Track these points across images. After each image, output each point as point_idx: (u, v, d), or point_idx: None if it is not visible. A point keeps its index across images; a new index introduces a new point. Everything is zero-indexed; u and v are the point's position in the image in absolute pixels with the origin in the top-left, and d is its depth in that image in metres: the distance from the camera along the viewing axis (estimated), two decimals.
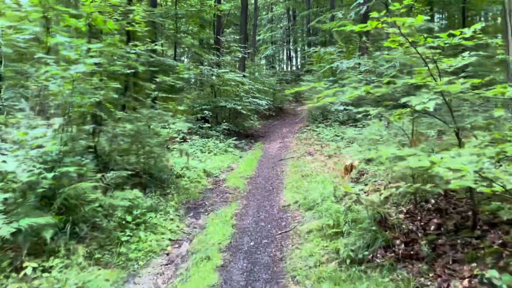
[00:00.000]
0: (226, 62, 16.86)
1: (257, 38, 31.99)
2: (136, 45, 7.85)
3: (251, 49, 24.87)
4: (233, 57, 17.45)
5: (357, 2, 19.18)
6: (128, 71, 7.33)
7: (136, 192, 6.20)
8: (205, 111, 14.19)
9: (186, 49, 21.97)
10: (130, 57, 7.67)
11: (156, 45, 7.97)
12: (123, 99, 8.17)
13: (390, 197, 5.78)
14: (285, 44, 37.08)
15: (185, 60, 24.69)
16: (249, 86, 16.62)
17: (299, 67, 33.30)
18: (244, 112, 15.39)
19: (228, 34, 20.21)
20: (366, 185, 6.69)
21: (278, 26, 36.86)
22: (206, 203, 7.39)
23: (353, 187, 6.68)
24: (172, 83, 9.02)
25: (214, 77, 15.56)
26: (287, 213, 6.52)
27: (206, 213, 6.79)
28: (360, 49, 19.65)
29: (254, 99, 16.62)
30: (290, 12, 34.85)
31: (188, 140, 12.93)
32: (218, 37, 18.12)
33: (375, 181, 6.66)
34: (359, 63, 17.84)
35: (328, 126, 15.27)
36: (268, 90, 19.81)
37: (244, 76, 17.60)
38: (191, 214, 6.74)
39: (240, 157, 12.93)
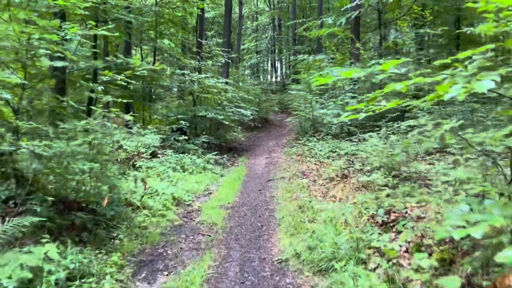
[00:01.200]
0: (208, 68, 14.53)
1: (242, 47, 29.85)
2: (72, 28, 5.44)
3: (235, 54, 22.66)
4: (215, 61, 15.12)
5: (348, 6, 17.23)
6: (60, 65, 4.92)
7: (51, 248, 3.78)
8: (181, 121, 11.80)
9: (166, 55, 19.61)
10: (64, 46, 5.31)
11: (102, 30, 5.60)
12: (55, 105, 5.72)
13: (451, 260, 3.53)
14: (270, 54, 35.01)
15: (168, 68, 22.31)
16: (233, 94, 14.32)
17: (284, 77, 31.21)
18: (227, 122, 13.06)
19: (211, 38, 17.87)
20: (400, 232, 4.41)
21: (263, 36, 34.82)
22: (169, 252, 4.99)
23: (380, 235, 4.40)
24: (125, 83, 6.58)
25: (193, 83, 13.21)
26: (286, 276, 4.18)
27: (166, 273, 4.39)
28: (352, 56, 17.61)
29: (238, 109, 14.32)
30: (276, 22, 32.84)
31: (160, 156, 10.50)
32: (200, 40, 15.80)
33: (415, 228, 4.38)
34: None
35: (320, 140, 13.05)
36: (253, 100, 17.54)
37: (227, 83, 15.32)
38: (143, 276, 4.33)
39: (221, 175, 10.56)
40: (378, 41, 19.72)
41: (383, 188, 5.75)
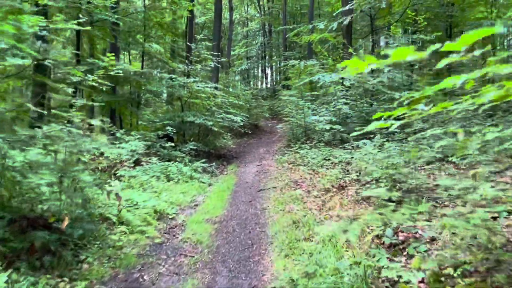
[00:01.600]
0: (197, 72, 13.86)
1: (232, 53, 29.28)
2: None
3: (225, 59, 22.06)
4: (204, 66, 14.46)
5: (339, 10, 16.76)
6: (18, 63, 4.24)
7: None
8: (167, 128, 11.10)
9: (155, 59, 18.85)
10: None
11: (79, 23, 4.91)
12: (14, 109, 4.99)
13: None
14: (260, 60, 34.49)
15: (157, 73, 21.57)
16: (222, 99, 13.67)
17: (275, 83, 30.67)
18: (216, 129, 12.39)
19: (200, 42, 17.21)
20: (411, 257, 3.78)
21: (254, 42, 34.30)
22: (145, 277, 4.29)
23: (390, 261, 3.78)
24: (96, 84, 5.90)
25: (181, 88, 12.53)
26: None
27: None
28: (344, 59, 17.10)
29: (228, 115, 13.67)
30: (266, 28, 32.35)
31: (144, 164, 9.78)
32: (189, 44, 15.14)
33: (429, 252, 3.76)
34: (342, 78, 15.25)
35: (312, 147, 12.45)
36: (243, 105, 16.89)
37: (216, 88, 14.67)
38: None
39: (210, 185, 9.87)
40: (370, 47, 19.30)
41: (387, 203, 5.13)
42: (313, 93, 14.79)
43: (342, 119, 14.12)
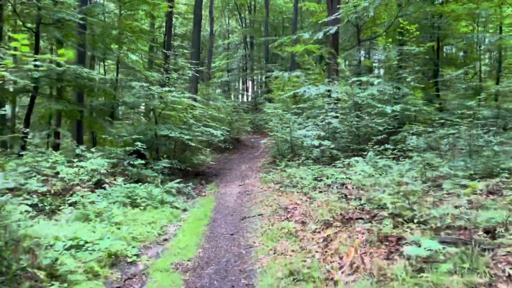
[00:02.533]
0: (173, 81, 12.27)
1: (213, 65, 27.84)
2: None
3: (205, 69, 20.55)
4: (180, 75, 12.88)
5: (326, 19, 15.56)
6: None
7: None
8: (137, 143, 9.44)
9: (130, 69, 17.15)
10: None
11: None
12: None
13: None
14: (241, 72, 33.15)
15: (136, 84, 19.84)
16: (201, 111, 12.11)
17: (256, 96, 29.32)
18: (193, 144, 10.80)
19: (177, 48, 15.61)
20: None
21: (235, 55, 32.98)
22: None
23: None
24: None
25: (154, 98, 10.92)
26: None
27: None
28: (330, 72, 15.87)
29: (207, 128, 12.10)
30: (248, 40, 31.11)
31: (108, 185, 8.08)
32: (166, 51, 13.57)
33: None
34: (329, 90, 13.93)
35: (300, 165, 10.99)
36: (224, 118, 15.34)
37: (195, 99, 13.12)
38: None
39: (184, 210, 8.23)
40: (358, 59, 18.19)
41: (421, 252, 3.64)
42: (300, 105, 13.40)
43: (331, 134, 12.75)
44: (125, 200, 7.46)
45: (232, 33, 33.25)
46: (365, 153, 11.37)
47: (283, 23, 27.95)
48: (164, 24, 20.18)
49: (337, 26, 15.43)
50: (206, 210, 8.03)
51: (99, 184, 8.23)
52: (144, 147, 9.58)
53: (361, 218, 5.61)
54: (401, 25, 13.61)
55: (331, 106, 13.46)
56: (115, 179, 8.55)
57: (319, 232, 5.51)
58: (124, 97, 10.72)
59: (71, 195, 7.35)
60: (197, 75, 13.80)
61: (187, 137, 10.32)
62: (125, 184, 8.20)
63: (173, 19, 20.60)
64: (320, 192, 8.21)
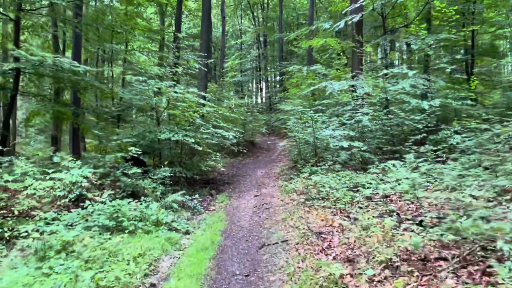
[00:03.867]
0: (178, 75, 10.35)
1: (225, 65, 25.97)
2: None
3: (213, 63, 18.65)
4: (186, 69, 10.92)
5: (348, 8, 13.49)
6: None
7: None
8: (131, 148, 7.53)
9: (136, 68, 15.35)
10: None
11: None
12: None
13: None
14: (255, 72, 31.18)
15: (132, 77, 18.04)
16: (210, 110, 10.18)
17: (271, 97, 27.30)
18: (200, 147, 8.85)
19: (186, 37, 13.67)
20: None
21: (248, 56, 31.05)
22: None
23: None
24: None
25: (155, 95, 9.03)
26: None
27: None
28: (354, 65, 13.73)
29: (217, 130, 10.15)
30: (261, 38, 29.14)
31: (91, 202, 6.18)
32: (169, 43, 11.68)
33: None
34: (354, 85, 11.80)
35: (327, 171, 8.97)
36: (236, 119, 13.35)
37: (204, 98, 11.22)
38: None
39: (186, 233, 6.27)
40: (384, 50, 16.04)
41: None
42: (324, 101, 11.35)
43: (360, 134, 10.66)
44: (107, 223, 5.54)
45: (245, 33, 31.34)
46: (400, 155, 9.35)
47: (298, 20, 25.93)
48: (173, 22, 18.44)
49: (361, 14, 13.34)
50: (213, 233, 6.06)
51: (80, 201, 6.35)
52: (140, 152, 7.66)
53: (445, 259, 3.56)
54: (438, 8, 11.44)
55: (358, 102, 11.35)
56: (101, 193, 6.66)
57: (380, 282, 3.47)
58: (119, 94, 8.87)
59: (32, 218, 5.48)
60: (205, 69, 11.86)
61: (191, 139, 8.37)
62: (111, 200, 6.28)
63: (182, 15, 18.81)
64: (360, 208, 6.17)
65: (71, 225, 5.42)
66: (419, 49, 12.87)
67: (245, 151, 13.38)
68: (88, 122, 9.98)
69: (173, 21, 19.19)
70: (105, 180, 7.06)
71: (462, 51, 15.68)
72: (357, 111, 10.49)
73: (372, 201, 6.40)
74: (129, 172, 7.57)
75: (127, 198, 6.83)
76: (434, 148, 8.83)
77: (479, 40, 19.04)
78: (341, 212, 6.10)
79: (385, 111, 10.34)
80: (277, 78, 29.39)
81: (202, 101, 10.39)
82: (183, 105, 9.02)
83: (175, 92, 8.60)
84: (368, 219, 5.02)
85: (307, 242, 5.07)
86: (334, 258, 4.30)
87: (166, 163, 8.51)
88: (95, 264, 4.32)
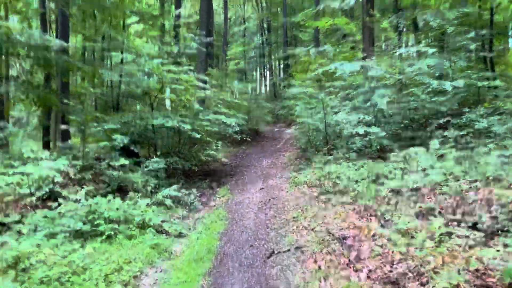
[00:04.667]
0: (174, 56, 9.14)
1: (228, 53, 24.64)
2: None
3: (218, 55, 17.42)
4: (183, 46, 9.66)
5: None
6: None
7: None
8: (116, 136, 6.36)
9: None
10: None
11: None
12: None
13: None
14: (259, 59, 29.81)
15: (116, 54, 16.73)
16: (210, 94, 8.98)
17: (275, 85, 25.98)
18: (198, 135, 7.68)
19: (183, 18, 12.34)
20: None
21: (251, 43, 29.64)
22: None
23: None
24: None
25: (147, 76, 7.84)
26: None
27: None
28: (366, 48, 12.38)
29: (218, 116, 8.96)
30: (265, 25, 27.72)
31: (65, 199, 5.05)
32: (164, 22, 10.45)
33: None
34: (364, 66, 10.48)
35: (341, 159, 7.77)
36: (240, 105, 12.12)
37: (205, 82, 10.02)
38: None
39: (179, 236, 5.12)
40: (398, 27, 14.63)
41: None
42: (336, 82, 10.08)
43: (376, 119, 9.43)
44: (80, 226, 4.40)
45: (248, 20, 29.90)
46: (422, 141, 8.17)
47: (303, 3, 24.47)
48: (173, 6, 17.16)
49: None
50: (211, 237, 4.91)
51: (53, 199, 5.22)
52: (126, 140, 6.49)
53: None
54: None
55: (373, 84, 10.03)
56: (79, 190, 5.52)
57: None
58: (103, 75, 7.69)
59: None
60: (204, 49, 10.61)
61: (188, 126, 7.20)
62: (88, 198, 5.14)
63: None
64: (388, 204, 4.98)
65: (34, 231, 4.30)
66: (438, 26, 11.52)
67: (249, 140, 12.18)
68: (76, 110, 8.80)
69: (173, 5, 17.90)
70: (86, 174, 5.92)
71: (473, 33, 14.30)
72: (372, 93, 9.23)
73: (401, 196, 5.20)
74: (116, 164, 6.42)
75: (112, 194, 5.71)
76: (461, 133, 7.64)
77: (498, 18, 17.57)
78: (365, 210, 4.92)
79: (404, 92, 9.08)
80: (281, 65, 28.03)
81: (201, 84, 9.20)
82: (178, 88, 7.83)
83: (169, 71, 7.38)
84: (408, 222, 3.82)
85: (328, 250, 3.91)
86: (368, 277, 3.14)
87: (158, 153, 7.35)
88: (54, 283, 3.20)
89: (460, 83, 8.76)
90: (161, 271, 4.00)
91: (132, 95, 10.10)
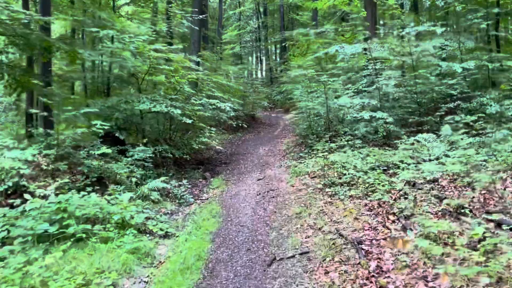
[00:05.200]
0: (163, 34, 8.27)
1: (223, 36, 23.60)
2: None
3: (214, 38, 16.52)
4: (173, 25, 8.77)
5: None
6: None
7: None
8: (95, 121, 5.56)
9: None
10: None
11: None
12: None
13: None
14: (255, 43, 28.77)
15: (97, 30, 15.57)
16: (202, 75, 8.16)
17: (271, 70, 25.06)
18: (189, 121, 6.89)
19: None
20: None
21: (247, 27, 28.51)
22: None
23: None
24: None
25: (131, 56, 7.00)
26: None
27: None
28: (368, 29, 11.50)
29: (211, 100, 8.16)
30: (261, 8, 26.61)
31: (31, 196, 4.28)
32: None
33: None
34: (366, 48, 9.64)
35: (345, 147, 7.04)
36: (235, 89, 11.28)
37: (198, 63, 9.21)
38: None
39: (165, 236, 4.38)
40: (401, 6, 13.75)
41: None
42: (339, 64, 9.28)
43: (381, 104, 8.67)
44: (46, 228, 3.66)
45: (244, 3, 28.71)
46: (430, 127, 7.54)
47: None
48: None
49: None
50: (202, 238, 4.18)
51: (19, 194, 4.45)
52: (107, 126, 5.69)
53: None
54: None
55: (377, 66, 9.25)
56: (53, 182, 4.75)
57: None
58: (85, 56, 6.82)
59: None
60: (196, 28, 9.72)
61: (178, 111, 6.41)
62: (61, 193, 4.38)
63: None
64: (405, 198, 4.27)
65: None
66: (446, 3, 10.67)
67: (245, 126, 11.40)
68: (51, 93, 7.92)
69: None
70: (61, 165, 5.14)
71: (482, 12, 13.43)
72: (378, 76, 8.46)
73: (419, 189, 4.49)
74: (96, 152, 5.64)
75: (91, 187, 4.96)
76: (473, 118, 6.94)
77: None
78: (380, 206, 4.21)
79: (412, 74, 8.30)
80: (278, 50, 27.07)
81: (193, 66, 8.37)
82: (167, 69, 7.00)
83: (156, 50, 6.54)
84: (436, 224, 3.11)
85: (341, 257, 3.21)
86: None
87: (145, 141, 6.56)
88: None
89: (471, 64, 8.01)
90: (140, 283, 3.28)
91: (122, 79, 9.25)
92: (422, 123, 7.81)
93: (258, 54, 30.67)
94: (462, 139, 6.19)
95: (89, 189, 4.84)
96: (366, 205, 4.31)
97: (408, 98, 8.63)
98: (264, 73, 30.19)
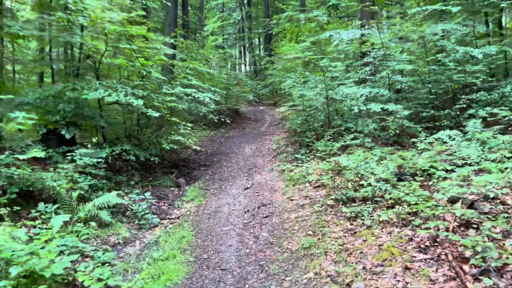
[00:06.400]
0: (128, 8, 6.51)
1: (205, 28, 21.73)
2: None
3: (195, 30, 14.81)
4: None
5: None
6: None
7: None
8: (17, 114, 3.80)
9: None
10: None
11: None
12: None
13: None
14: (238, 36, 26.97)
15: None
16: (177, 60, 6.45)
17: (256, 62, 23.40)
18: (158, 114, 5.18)
19: None
20: None
21: (230, 19, 26.65)
22: None
23: None
24: None
25: (80, 32, 5.24)
26: None
27: None
28: (363, 14, 9.96)
29: (187, 89, 6.45)
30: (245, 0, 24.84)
31: None
32: None
33: None
34: (362, 35, 8.05)
35: (353, 148, 5.53)
36: (217, 78, 9.55)
37: (174, 46, 7.51)
38: None
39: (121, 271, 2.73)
40: None
41: None
42: (339, 48, 7.72)
43: (392, 94, 7.14)
44: None
45: None
46: (450, 122, 6.17)
47: None
48: None
49: None
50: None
51: None
52: (34, 120, 3.97)
53: None
54: None
55: (380, 53, 7.71)
56: None
57: None
58: (20, 32, 5.04)
59: None
60: (171, 5, 7.99)
61: (141, 101, 4.73)
62: None
63: None
64: (472, 226, 2.76)
65: None
66: None
67: (229, 121, 9.73)
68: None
69: None
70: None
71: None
72: (386, 61, 6.93)
73: (484, 213, 2.98)
74: (22, 157, 3.91)
75: (8, 207, 3.27)
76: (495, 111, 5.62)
77: None
78: (435, 242, 2.66)
79: (429, 59, 6.82)
80: (262, 45, 25.35)
81: (166, 48, 6.67)
82: (128, 49, 5.29)
83: (111, 21, 4.82)
84: None
85: None
86: None
87: (96, 140, 4.84)
88: None
89: (492, 49, 6.58)
90: None
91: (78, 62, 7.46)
92: (437, 118, 6.40)
93: (242, 47, 28.91)
94: (495, 137, 4.77)
95: (2, 210, 3.17)
96: (412, 239, 2.77)
97: (420, 88, 7.18)
98: (248, 66, 28.49)
